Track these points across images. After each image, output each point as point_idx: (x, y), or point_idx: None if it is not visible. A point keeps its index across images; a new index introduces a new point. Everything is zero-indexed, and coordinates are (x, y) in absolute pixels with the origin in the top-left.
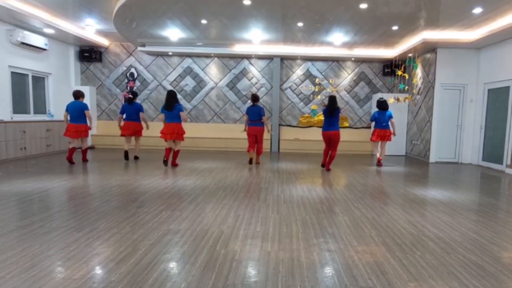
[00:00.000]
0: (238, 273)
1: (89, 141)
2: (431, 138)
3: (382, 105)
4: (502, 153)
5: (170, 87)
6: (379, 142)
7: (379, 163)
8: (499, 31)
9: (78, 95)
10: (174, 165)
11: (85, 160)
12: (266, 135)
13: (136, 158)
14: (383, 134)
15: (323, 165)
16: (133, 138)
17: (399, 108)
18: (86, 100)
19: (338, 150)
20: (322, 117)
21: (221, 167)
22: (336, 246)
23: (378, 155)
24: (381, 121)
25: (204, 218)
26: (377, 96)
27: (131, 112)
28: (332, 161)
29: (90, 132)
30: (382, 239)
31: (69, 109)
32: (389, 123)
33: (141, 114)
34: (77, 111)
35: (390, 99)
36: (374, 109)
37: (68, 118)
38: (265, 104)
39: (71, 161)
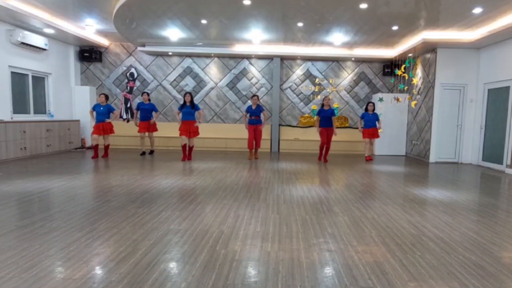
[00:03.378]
0: (238, 273)
1: (88, 141)
2: (431, 138)
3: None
4: (502, 153)
5: (170, 87)
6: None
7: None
8: (499, 31)
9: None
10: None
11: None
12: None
13: (151, 152)
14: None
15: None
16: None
17: (399, 108)
18: (86, 100)
19: (339, 150)
20: None
21: (221, 167)
22: (336, 246)
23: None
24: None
25: (204, 218)
26: (377, 96)
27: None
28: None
29: (90, 132)
30: (382, 239)
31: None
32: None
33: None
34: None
35: (392, 99)
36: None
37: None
38: (265, 104)
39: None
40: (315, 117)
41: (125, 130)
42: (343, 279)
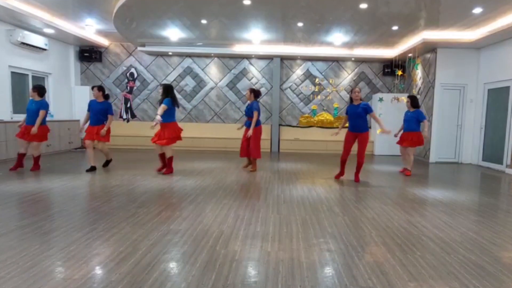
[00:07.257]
0: (238, 273)
1: None
2: (431, 138)
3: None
4: (502, 153)
5: None
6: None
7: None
8: (499, 31)
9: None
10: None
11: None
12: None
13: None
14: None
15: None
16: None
17: (399, 108)
18: (86, 100)
19: (339, 150)
20: (322, 118)
21: (221, 167)
22: (336, 246)
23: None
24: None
25: (204, 218)
26: (377, 96)
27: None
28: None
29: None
30: (382, 239)
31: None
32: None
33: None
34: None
35: (392, 99)
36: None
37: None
38: (265, 104)
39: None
40: (344, 117)
41: (125, 130)
42: (343, 279)
